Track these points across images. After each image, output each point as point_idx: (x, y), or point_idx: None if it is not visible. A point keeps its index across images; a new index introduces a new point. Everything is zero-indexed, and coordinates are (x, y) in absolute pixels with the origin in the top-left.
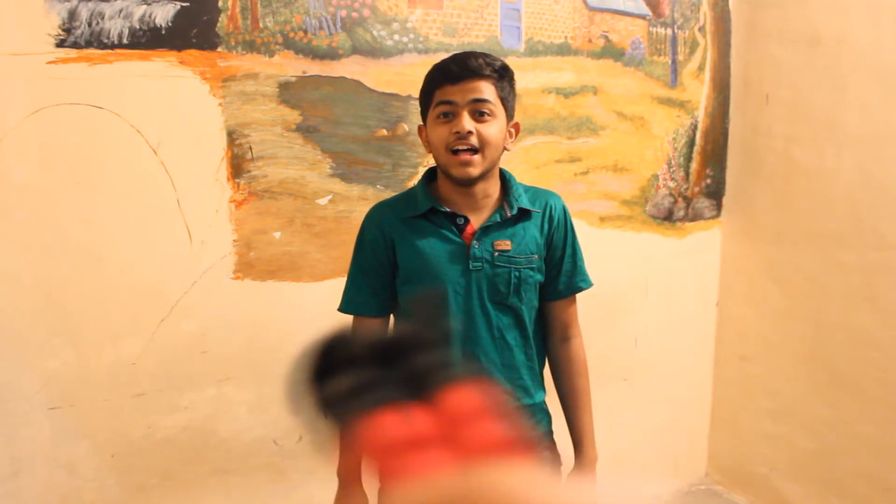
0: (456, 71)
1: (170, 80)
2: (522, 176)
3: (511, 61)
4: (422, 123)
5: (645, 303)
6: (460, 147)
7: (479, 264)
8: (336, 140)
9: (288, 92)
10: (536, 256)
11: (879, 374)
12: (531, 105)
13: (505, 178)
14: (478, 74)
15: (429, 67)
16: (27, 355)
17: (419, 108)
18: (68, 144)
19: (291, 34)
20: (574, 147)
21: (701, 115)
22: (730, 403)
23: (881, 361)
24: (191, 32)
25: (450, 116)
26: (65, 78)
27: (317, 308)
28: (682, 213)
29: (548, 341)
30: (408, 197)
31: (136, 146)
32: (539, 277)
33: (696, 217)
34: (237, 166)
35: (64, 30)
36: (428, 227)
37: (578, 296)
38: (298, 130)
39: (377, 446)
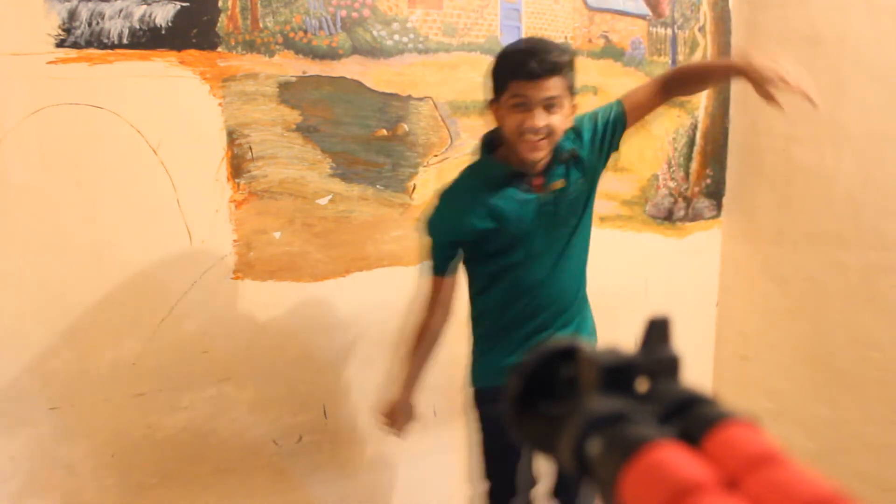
0: (535, 70)
1: (170, 80)
2: None
3: None
4: (493, 99)
5: (645, 303)
6: (531, 137)
7: (550, 208)
8: (336, 140)
9: (288, 92)
10: (582, 180)
11: (879, 374)
12: None
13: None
14: (552, 73)
15: (429, 67)
16: (27, 355)
17: (490, 86)
18: (68, 144)
19: (291, 34)
20: None
21: (701, 115)
22: (729, 403)
23: (881, 361)
24: (191, 32)
25: (523, 107)
26: (65, 78)
27: (317, 308)
28: (682, 213)
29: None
30: (478, 173)
31: (136, 146)
32: (587, 196)
33: (696, 217)
34: (237, 166)
35: (64, 30)
36: (509, 192)
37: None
38: (298, 130)
39: (663, 489)
